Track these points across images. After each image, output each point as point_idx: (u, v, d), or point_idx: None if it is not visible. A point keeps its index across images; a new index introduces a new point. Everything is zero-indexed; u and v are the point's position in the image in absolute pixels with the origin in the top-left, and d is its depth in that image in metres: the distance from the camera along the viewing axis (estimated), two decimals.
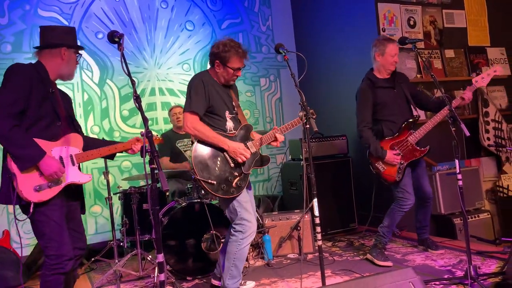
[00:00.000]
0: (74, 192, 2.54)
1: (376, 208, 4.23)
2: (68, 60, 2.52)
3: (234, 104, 3.02)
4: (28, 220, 2.34)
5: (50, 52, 2.49)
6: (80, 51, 2.61)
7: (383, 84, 3.58)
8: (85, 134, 2.75)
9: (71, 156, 2.45)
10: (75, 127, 2.60)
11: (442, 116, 3.39)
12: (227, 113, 2.93)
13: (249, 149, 2.89)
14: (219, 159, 2.83)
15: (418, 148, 3.50)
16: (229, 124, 2.93)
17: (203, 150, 2.81)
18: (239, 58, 2.86)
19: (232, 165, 2.84)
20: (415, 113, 3.62)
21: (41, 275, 2.38)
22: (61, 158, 2.42)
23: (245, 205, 2.87)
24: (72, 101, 2.79)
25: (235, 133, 2.92)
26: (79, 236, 2.56)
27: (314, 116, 2.96)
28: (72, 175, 2.44)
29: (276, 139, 2.97)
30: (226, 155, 2.84)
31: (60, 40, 2.51)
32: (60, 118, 2.45)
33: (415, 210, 3.77)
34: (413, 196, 3.51)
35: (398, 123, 3.53)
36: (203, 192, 3.64)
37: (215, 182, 2.77)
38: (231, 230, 2.89)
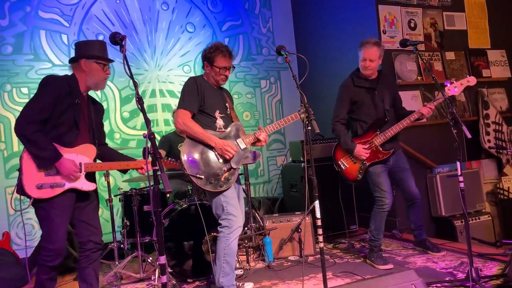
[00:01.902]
0: (85, 194, 2.66)
1: (360, 209, 4.33)
2: (90, 71, 2.63)
3: (227, 105, 3.14)
4: (29, 222, 2.42)
5: (75, 66, 2.65)
6: (103, 61, 2.67)
7: (364, 84, 3.60)
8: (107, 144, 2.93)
9: (80, 164, 2.58)
10: (94, 138, 2.71)
11: (409, 121, 3.45)
12: (217, 112, 3.04)
13: (238, 145, 3.00)
14: (208, 154, 2.93)
15: (381, 150, 3.51)
16: (220, 122, 3.04)
17: (193, 146, 2.92)
18: (224, 57, 3.01)
19: (221, 160, 2.93)
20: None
21: (38, 260, 2.55)
22: None
23: (231, 200, 2.95)
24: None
25: (225, 131, 3.03)
26: (93, 230, 2.68)
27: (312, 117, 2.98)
28: (76, 181, 2.58)
29: (259, 140, 3.05)
30: (215, 151, 2.94)
31: (78, 54, 2.64)
32: (79, 128, 2.60)
33: (406, 212, 3.78)
34: (390, 194, 3.51)
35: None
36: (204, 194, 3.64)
37: (203, 177, 2.86)
38: (218, 227, 2.96)
